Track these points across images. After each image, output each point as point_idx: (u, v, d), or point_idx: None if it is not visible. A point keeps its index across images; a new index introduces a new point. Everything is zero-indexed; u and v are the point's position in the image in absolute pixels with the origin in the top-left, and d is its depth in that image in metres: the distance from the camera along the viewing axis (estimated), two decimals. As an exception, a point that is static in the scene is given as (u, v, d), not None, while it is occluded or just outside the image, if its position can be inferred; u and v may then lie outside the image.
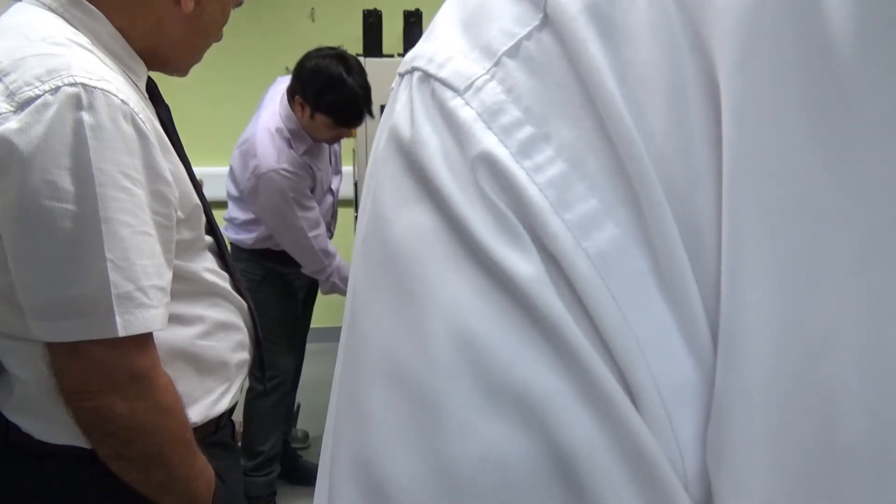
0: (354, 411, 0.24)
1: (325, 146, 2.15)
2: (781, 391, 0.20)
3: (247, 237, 2.15)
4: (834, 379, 0.19)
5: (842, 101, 0.19)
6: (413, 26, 2.48)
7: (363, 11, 2.35)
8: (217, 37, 1.01)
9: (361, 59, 2.25)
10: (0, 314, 0.83)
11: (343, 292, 2.11)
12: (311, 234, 2.04)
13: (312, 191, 2.07)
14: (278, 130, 1.99)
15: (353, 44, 2.29)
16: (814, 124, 0.19)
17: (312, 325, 2.44)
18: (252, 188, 1.99)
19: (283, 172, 1.96)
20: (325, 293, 2.25)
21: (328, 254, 2.12)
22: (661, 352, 0.21)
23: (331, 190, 2.24)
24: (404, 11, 2.42)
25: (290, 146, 2.00)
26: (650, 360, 0.21)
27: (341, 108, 1.95)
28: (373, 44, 2.36)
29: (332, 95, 1.93)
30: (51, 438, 0.87)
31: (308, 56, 1.99)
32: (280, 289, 2.19)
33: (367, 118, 2.04)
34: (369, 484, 0.22)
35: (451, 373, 0.21)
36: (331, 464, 0.25)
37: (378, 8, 2.36)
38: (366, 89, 1.97)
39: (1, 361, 0.87)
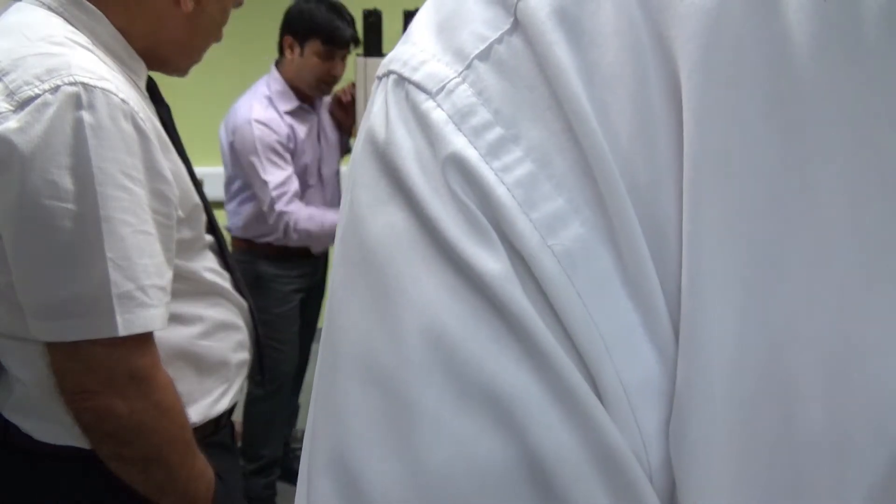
0: (330, 407, 0.24)
1: (326, 126, 2.17)
2: (742, 384, 0.20)
3: (237, 222, 2.15)
4: (794, 371, 0.20)
5: (800, 102, 0.20)
6: (413, 26, 2.47)
7: (363, 11, 2.35)
8: (217, 37, 1.01)
9: (361, 59, 2.25)
10: (0, 314, 0.83)
11: (311, 236, 2.07)
12: (273, 193, 2.02)
13: (293, 155, 2.07)
14: (259, 93, 2.06)
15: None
16: (773, 124, 0.20)
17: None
18: (229, 145, 2.04)
19: (254, 122, 1.99)
20: (311, 248, 2.20)
21: (290, 214, 2.07)
22: (625, 347, 0.21)
23: (321, 177, 2.22)
24: (404, 11, 2.42)
25: (272, 104, 2.04)
26: (614, 355, 0.21)
27: (329, 26, 2.01)
28: (373, 44, 2.35)
29: (321, 18, 2.02)
30: (50, 439, 0.87)
31: (294, 4, 2.08)
32: (273, 291, 2.18)
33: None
34: (344, 479, 0.23)
35: (423, 368, 0.22)
36: (309, 455, 0.25)
37: (378, 8, 2.36)
38: (353, 20, 2.06)
39: (0, 361, 0.87)
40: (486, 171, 0.23)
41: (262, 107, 2.03)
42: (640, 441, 0.21)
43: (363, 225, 0.25)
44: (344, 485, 0.23)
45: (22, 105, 0.75)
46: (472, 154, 0.23)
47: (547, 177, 0.22)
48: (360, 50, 2.30)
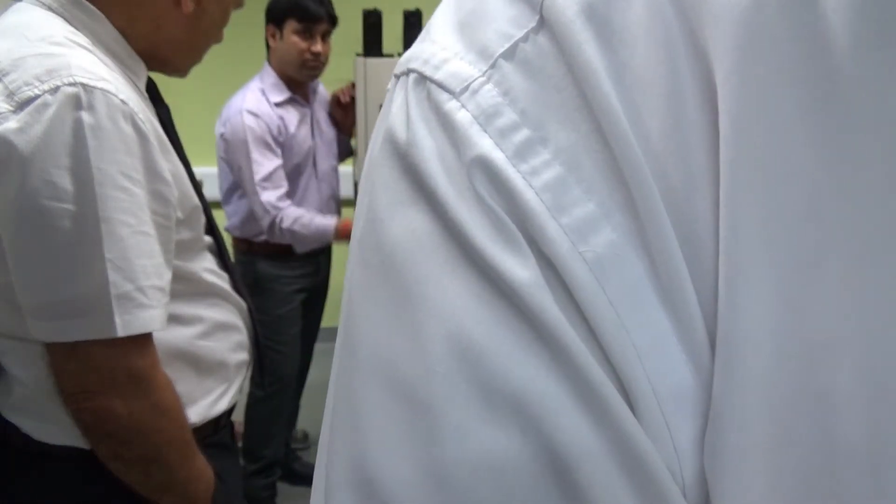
0: (350, 416, 0.24)
1: (321, 121, 2.18)
2: (779, 396, 0.20)
3: (234, 221, 2.15)
4: (832, 384, 0.19)
5: (840, 104, 0.19)
6: (413, 26, 2.48)
7: (363, 11, 2.35)
8: (217, 38, 1.01)
9: (361, 59, 2.25)
10: (-1, 314, 0.83)
11: (295, 236, 2.08)
12: (260, 183, 2.03)
13: (284, 147, 2.08)
14: (253, 86, 2.10)
15: (353, 44, 2.29)
16: (812, 127, 0.19)
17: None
18: (221, 136, 2.06)
19: (245, 112, 2.02)
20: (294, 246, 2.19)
21: (274, 207, 2.07)
22: (659, 357, 0.21)
23: (316, 171, 2.22)
24: (404, 11, 2.42)
25: (264, 95, 2.08)
26: (647, 366, 0.21)
27: (300, 4, 2.07)
28: (373, 44, 2.35)
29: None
30: (50, 439, 0.87)
31: None
32: (274, 292, 2.17)
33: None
34: (365, 489, 0.22)
35: (447, 377, 0.21)
36: (327, 468, 0.24)
37: (378, 8, 2.36)
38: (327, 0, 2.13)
39: (0, 361, 0.87)
40: (514, 175, 0.22)
41: (254, 98, 2.06)
42: (673, 453, 0.21)
43: (383, 227, 0.24)
44: (365, 493, 0.22)
45: (22, 105, 0.75)
46: (498, 156, 0.22)
47: (576, 180, 0.22)
48: (360, 50, 2.30)
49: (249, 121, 2.02)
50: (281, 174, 2.07)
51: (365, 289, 0.25)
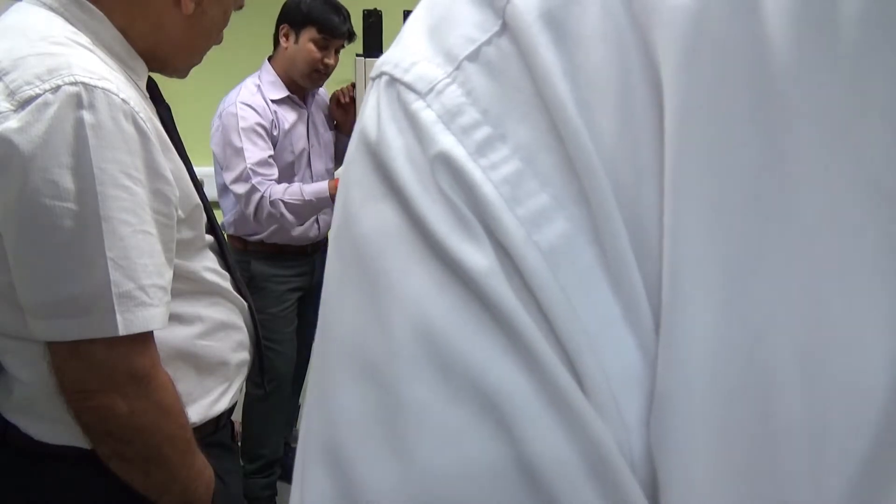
0: (323, 400, 0.25)
1: (318, 124, 2.17)
2: (721, 376, 0.21)
3: (228, 218, 2.14)
4: (772, 364, 0.20)
5: (781, 103, 0.21)
6: (413, 27, 2.47)
7: (363, 11, 2.35)
8: (217, 39, 1.01)
9: (361, 59, 2.25)
10: (0, 314, 0.83)
11: (288, 207, 2.01)
12: (249, 168, 1.99)
13: (276, 144, 2.07)
14: (249, 83, 2.09)
15: (353, 43, 2.29)
16: (754, 125, 0.21)
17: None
18: (216, 129, 2.05)
19: (239, 104, 2.02)
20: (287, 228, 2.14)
21: (260, 183, 2.02)
22: (608, 339, 0.22)
23: (311, 172, 2.20)
24: (404, 11, 2.42)
25: (260, 91, 2.07)
26: (598, 348, 0.22)
27: (326, 16, 2.05)
28: (373, 44, 2.35)
29: (318, 9, 2.07)
30: (50, 439, 0.87)
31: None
32: (268, 291, 2.17)
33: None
34: (337, 471, 0.23)
35: (411, 362, 0.23)
36: (302, 453, 0.26)
37: (378, 8, 2.36)
38: (348, 17, 2.12)
39: (1, 361, 0.87)
40: (474, 169, 0.23)
41: (249, 92, 2.06)
42: (623, 431, 0.22)
43: (355, 221, 0.26)
44: (337, 475, 0.23)
45: (23, 105, 0.75)
46: (460, 152, 0.23)
47: (533, 174, 0.23)
48: (360, 50, 2.30)
49: (243, 111, 2.01)
50: (272, 163, 2.05)
51: (339, 279, 0.26)
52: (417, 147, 0.24)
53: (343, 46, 2.14)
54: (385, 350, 0.23)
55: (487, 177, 0.23)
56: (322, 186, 2.06)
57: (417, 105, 0.25)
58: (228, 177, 2.02)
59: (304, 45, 2.07)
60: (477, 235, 0.23)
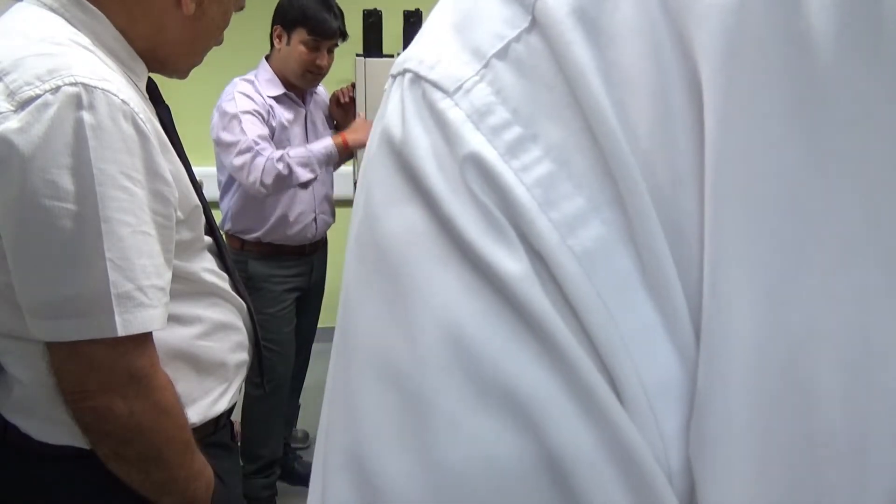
0: (346, 407, 0.24)
1: (317, 122, 2.17)
2: (762, 386, 0.20)
3: (226, 215, 2.14)
4: (813, 374, 0.20)
5: (822, 102, 0.20)
6: (413, 26, 2.48)
7: (363, 11, 2.35)
8: (218, 40, 1.01)
9: (361, 59, 2.25)
10: (0, 314, 0.83)
11: (294, 160, 2.02)
12: (252, 142, 1.99)
13: (273, 136, 2.08)
14: (246, 79, 2.09)
15: (353, 43, 2.29)
16: (795, 125, 0.20)
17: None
18: (214, 124, 2.05)
19: (236, 93, 2.02)
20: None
21: (259, 146, 2.03)
22: (646, 348, 0.21)
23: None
24: (404, 11, 2.42)
25: (256, 87, 2.07)
26: (635, 356, 0.21)
27: (316, 17, 2.04)
28: (373, 44, 2.35)
29: (308, 9, 2.05)
30: (50, 439, 0.87)
31: None
32: (266, 291, 2.16)
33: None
34: (361, 479, 0.23)
35: (440, 369, 0.22)
36: (324, 460, 0.25)
37: (378, 8, 2.36)
38: (341, 14, 2.10)
39: (0, 362, 0.87)
40: (505, 171, 0.22)
41: (245, 86, 2.07)
42: (659, 441, 0.21)
43: (378, 223, 0.25)
44: (361, 483, 0.23)
45: (22, 105, 0.75)
46: (490, 153, 0.23)
47: (566, 176, 0.22)
48: (360, 49, 2.30)
49: (240, 98, 2.02)
50: (271, 142, 2.04)
51: (361, 283, 0.25)
52: (445, 147, 0.23)
53: (336, 45, 2.13)
54: (411, 357, 0.22)
55: (520, 179, 0.22)
56: (327, 141, 2.09)
57: (445, 104, 0.24)
58: (230, 155, 2.01)
59: (296, 46, 2.07)
60: (509, 239, 0.22)
